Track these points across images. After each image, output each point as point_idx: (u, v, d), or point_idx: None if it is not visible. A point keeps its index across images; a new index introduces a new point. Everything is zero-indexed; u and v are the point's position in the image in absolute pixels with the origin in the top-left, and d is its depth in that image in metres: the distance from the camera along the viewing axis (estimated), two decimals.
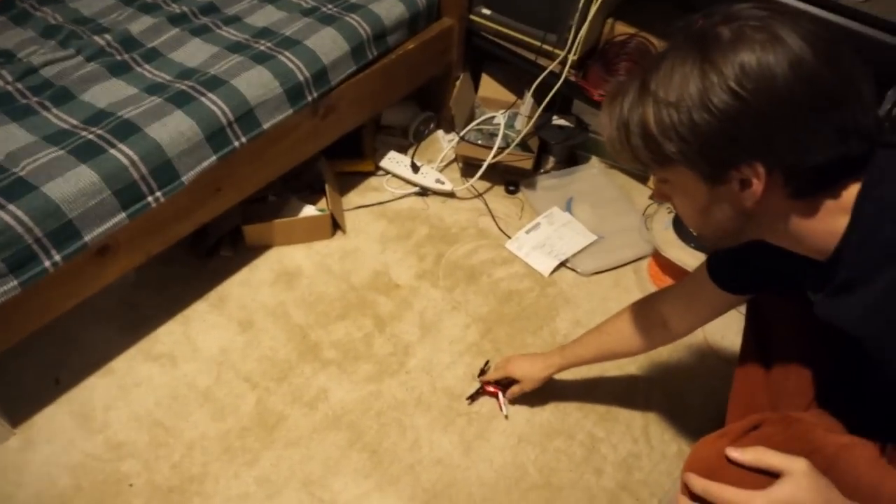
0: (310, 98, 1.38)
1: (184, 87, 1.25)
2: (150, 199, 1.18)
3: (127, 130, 1.16)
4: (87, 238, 1.11)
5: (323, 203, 1.65)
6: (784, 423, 0.79)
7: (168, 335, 1.41)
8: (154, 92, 1.24)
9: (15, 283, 1.05)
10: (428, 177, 1.73)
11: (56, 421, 1.27)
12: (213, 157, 1.25)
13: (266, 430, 1.27)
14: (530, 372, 1.23)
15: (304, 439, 1.27)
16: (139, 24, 1.41)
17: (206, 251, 1.56)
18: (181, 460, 1.23)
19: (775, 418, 0.79)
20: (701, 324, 1.06)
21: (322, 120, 1.45)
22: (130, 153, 1.13)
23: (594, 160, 1.85)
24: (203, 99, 1.23)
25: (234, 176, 1.32)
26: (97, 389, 1.32)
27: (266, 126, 1.32)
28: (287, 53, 1.35)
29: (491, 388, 1.33)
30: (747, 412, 0.97)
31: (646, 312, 1.09)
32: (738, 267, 0.92)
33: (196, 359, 1.38)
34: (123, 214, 1.15)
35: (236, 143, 1.28)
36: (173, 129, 1.18)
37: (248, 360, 1.38)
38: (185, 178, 1.21)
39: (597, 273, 1.58)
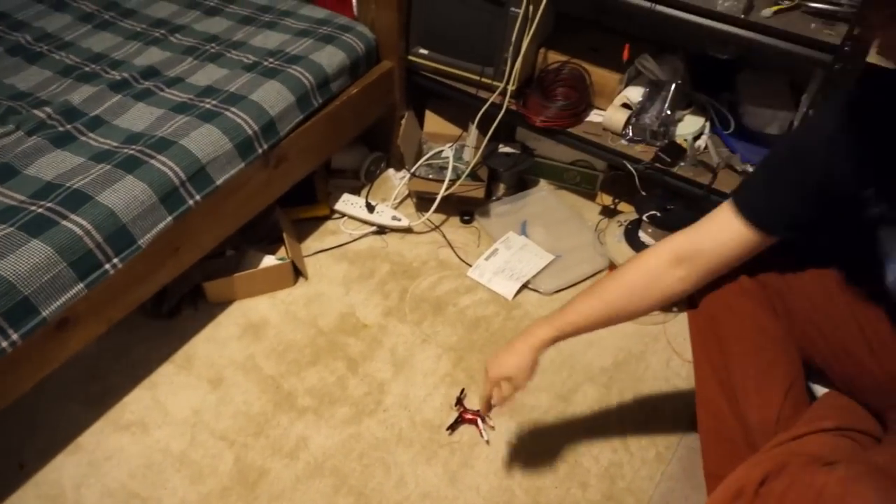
0: (260, 150, 1.40)
1: (132, 152, 1.25)
2: (107, 266, 1.16)
3: (78, 200, 1.15)
4: (45, 313, 1.09)
5: (282, 252, 1.66)
6: (787, 471, 0.77)
7: (136, 402, 1.38)
8: (102, 159, 1.24)
9: None
10: (384, 215, 1.76)
11: None
12: (169, 218, 1.24)
13: (248, 488, 1.25)
14: (517, 363, 1.05)
15: (289, 491, 1.25)
16: (80, 94, 1.41)
17: (168, 312, 1.53)
18: None
19: (775, 463, 0.78)
20: (713, 274, 0.94)
21: (274, 170, 1.47)
22: (83, 223, 1.12)
23: (543, 183, 1.92)
24: (153, 161, 1.23)
25: (191, 234, 1.32)
26: (65, 468, 1.27)
27: (219, 182, 1.33)
28: (233, 109, 1.36)
29: (469, 416, 1.34)
30: (717, 430, 0.99)
31: (654, 262, 0.96)
32: (775, 198, 0.85)
33: (168, 423, 1.35)
34: (81, 285, 1.13)
35: (191, 202, 1.28)
36: (126, 195, 1.18)
37: (223, 418, 1.36)
38: (142, 241, 1.21)
39: (558, 291, 1.63)
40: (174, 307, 1.54)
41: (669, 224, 1.47)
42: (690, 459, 1.30)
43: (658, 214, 1.47)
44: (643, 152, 1.56)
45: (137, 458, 1.29)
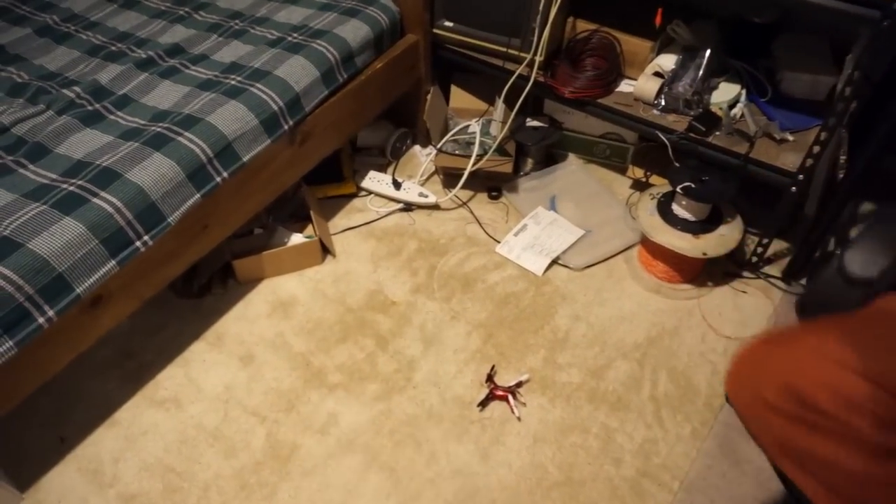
0: (286, 126, 1.38)
1: (160, 130, 1.25)
2: (138, 243, 1.17)
3: (107, 178, 1.15)
4: (78, 290, 1.10)
5: (310, 230, 1.65)
6: None
7: (169, 379, 1.40)
8: (130, 137, 1.24)
9: (10, 343, 1.03)
10: (411, 192, 1.74)
11: (65, 480, 1.25)
12: (197, 195, 1.24)
13: (280, 462, 1.26)
14: None
15: (320, 466, 1.25)
16: (107, 73, 1.41)
17: (199, 291, 1.55)
18: (198, 503, 1.21)
19: None
20: None
21: (300, 147, 1.46)
22: (114, 200, 1.13)
23: (571, 157, 1.88)
24: (180, 139, 1.23)
25: (219, 211, 1.32)
26: (104, 443, 1.30)
27: (246, 159, 1.32)
28: (259, 85, 1.35)
29: (500, 392, 1.33)
30: None
31: None
32: None
33: (201, 399, 1.36)
34: (113, 262, 1.14)
35: (218, 179, 1.28)
36: (154, 172, 1.18)
37: (254, 395, 1.37)
38: (171, 218, 1.21)
39: (589, 266, 1.60)
40: (204, 286, 1.55)
41: (704, 196, 1.43)
42: (727, 436, 1.27)
43: (692, 186, 1.43)
44: (676, 122, 1.51)
45: (172, 433, 1.31)
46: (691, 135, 1.47)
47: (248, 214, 1.41)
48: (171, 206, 1.21)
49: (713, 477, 1.22)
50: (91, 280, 1.11)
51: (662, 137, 1.49)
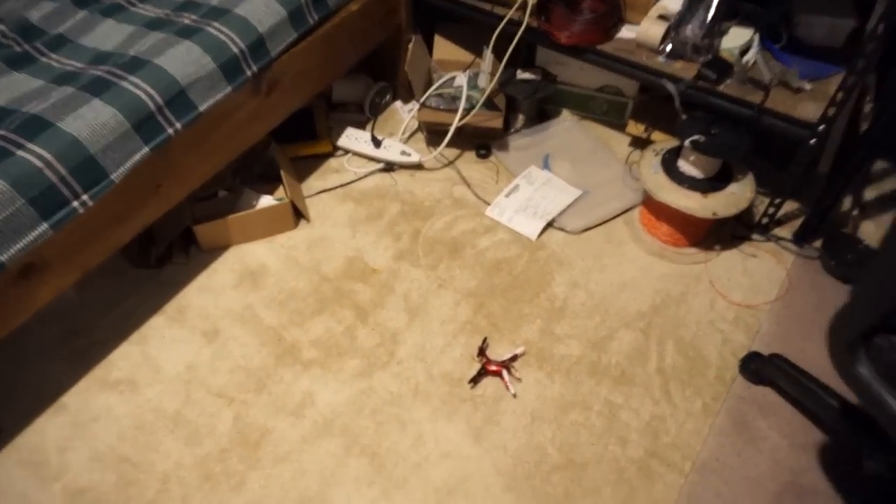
0: (249, 73, 1.23)
1: (100, 73, 1.09)
2: (75, 203, 1.01)
3: (36, 127, 0.99)
4: (2, 258, 0.95)
5: (280, 192, 1.50)
6: None
7: (124, 358, 1.25)
8: (64, 82, 1.08)
9: None
10: (392, 150, 1.60)
11: (4, 474, 1.11)
12: (146, 149, 1.09)
13: (249, 449, 1.13)
14: None
15: (294, 452, 1.13)
16: (39, 11, 1.24)
17: (157, 260, 1.40)
18: (156, 497, 1.08)
19: None
20: None
21: (266, 97, 1.30)
22: (43, 153, 0.97)
23: (565, 113, 1.74)
24: (124, 83, 1.07)
25: (173, 169, 1.16)
26: (48, 431, 1.16)
27: (202, 108, 1.16)
28: (216, 24, 1.19)
29: (493, 367, 1.21)
30: None
31: None
32: None
33: (159, 380, 1.22)
34: (45, 225, 0.98)
35: (170, 131, 1.12)
36: (92, 121, 1.02)
37: (220, 374, 1.23)
38: (115, 175, 1.05)
39: (587, 230, 1.47)
40: (163, 254, 1.41)
41: (714, 150, 1.30)
42: (741, 411, 1.17)
43: (701, 139, 1.30)
44: (684, 70, 1.37)
45: (127, 418, 1.17)
46: (700, 83, 1.34)
47: (208, 173, 1.26)
48: (115, 160, 1.05)
49: (727, 456, 1.12)
50: (18, 246, 0.96)
51: (669, 86, 1.36)
